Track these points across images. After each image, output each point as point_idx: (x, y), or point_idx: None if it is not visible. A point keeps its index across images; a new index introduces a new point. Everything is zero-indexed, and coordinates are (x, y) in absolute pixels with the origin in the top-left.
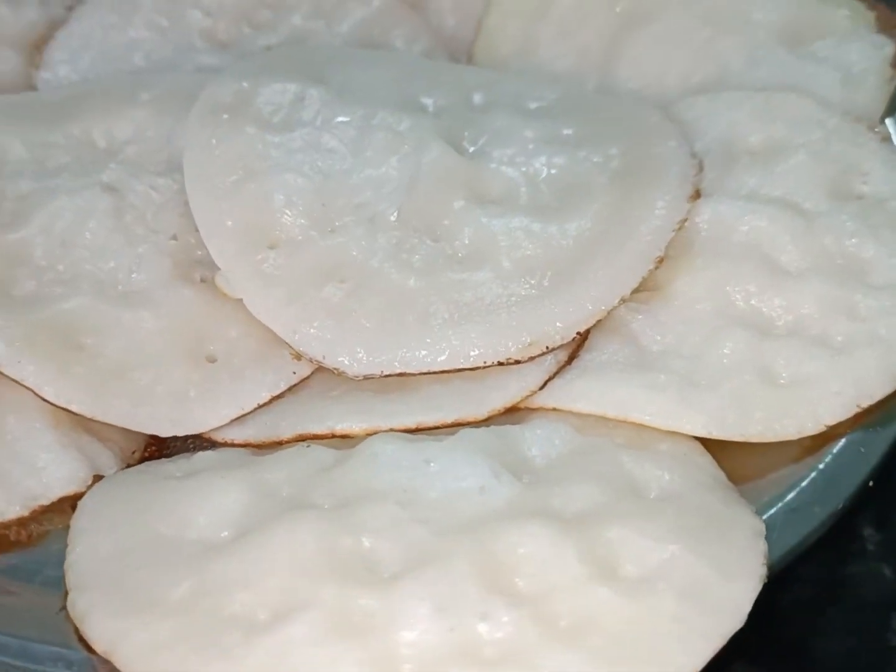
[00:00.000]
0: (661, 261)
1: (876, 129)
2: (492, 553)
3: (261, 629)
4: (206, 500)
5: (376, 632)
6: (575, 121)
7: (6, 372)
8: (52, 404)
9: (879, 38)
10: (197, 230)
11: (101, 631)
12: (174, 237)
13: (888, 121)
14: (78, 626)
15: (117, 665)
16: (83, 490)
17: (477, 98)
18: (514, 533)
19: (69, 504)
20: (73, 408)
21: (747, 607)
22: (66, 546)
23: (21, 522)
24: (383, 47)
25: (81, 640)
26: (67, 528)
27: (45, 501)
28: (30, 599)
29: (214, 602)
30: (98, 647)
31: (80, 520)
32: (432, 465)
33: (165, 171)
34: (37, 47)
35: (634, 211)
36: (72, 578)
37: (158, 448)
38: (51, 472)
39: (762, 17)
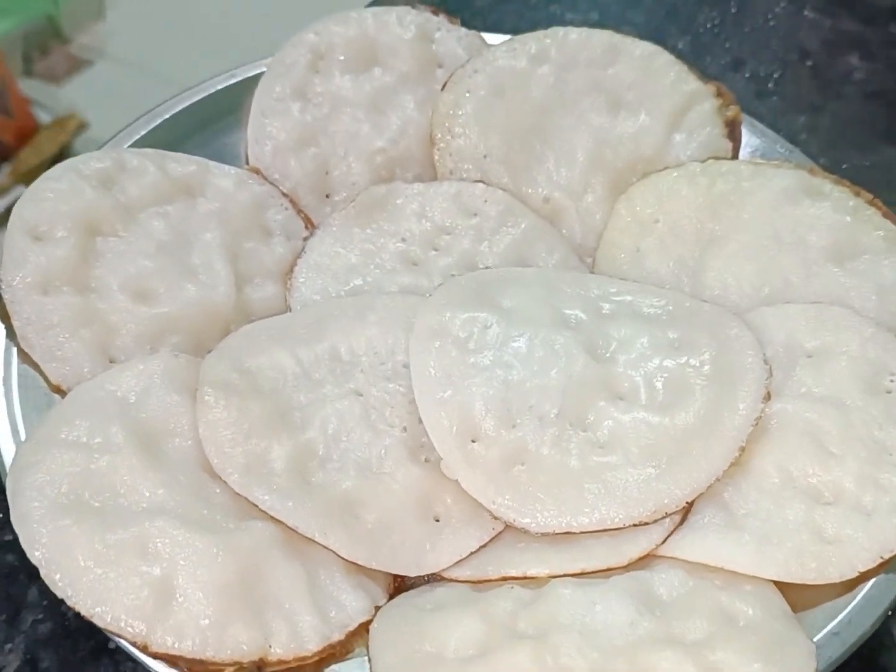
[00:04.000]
0: (743, 449)
1: None
2: (639, 668)
3: None
4: (453, 628)
5: None
6: (676, 326)
7: (317, 539)
8: (344, 559)
9: None
10: (420, 422)
11: None
12: (404, 429)
13: None
14: None
15: None
16: (371, 617)
17: (605, 308)
18: (654, 655)
19: (364, 628)
20: (359, 562)
21: None
22: (366, 655)
23: (340, 644)
24: (529, 259)
25: None
26: (364, 644)
27: (352, 627)
28: None
29: None
30: None
31: (374, 639)
32: (597, 606)
33: (392, 378)
34: (286, 274)
35: (723, 412)
36: None
37: (402, 581)
38: (353, 607)
39: (815, 238)
